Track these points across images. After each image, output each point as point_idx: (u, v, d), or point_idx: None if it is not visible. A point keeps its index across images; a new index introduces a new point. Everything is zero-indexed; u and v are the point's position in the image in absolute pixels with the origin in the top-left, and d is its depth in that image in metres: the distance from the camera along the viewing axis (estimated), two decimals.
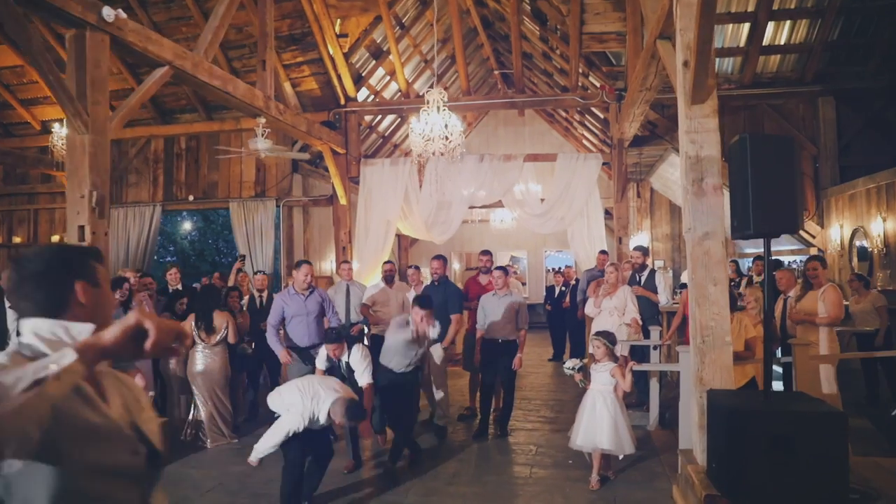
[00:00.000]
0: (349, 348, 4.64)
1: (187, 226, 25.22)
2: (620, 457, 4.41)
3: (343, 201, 9.44)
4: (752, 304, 4.69)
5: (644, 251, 6.50)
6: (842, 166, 8.39)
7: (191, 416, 5.56)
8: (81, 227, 4.46)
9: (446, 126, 6.66)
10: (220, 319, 5.24)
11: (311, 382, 3.88)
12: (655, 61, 5.09)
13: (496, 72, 13.19)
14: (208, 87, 6.02)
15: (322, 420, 3.72)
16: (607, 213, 10.04)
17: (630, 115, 6.92)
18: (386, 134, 12.32)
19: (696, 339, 3.65)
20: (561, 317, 9.73)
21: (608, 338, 4.37)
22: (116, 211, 10.28)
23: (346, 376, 4.61)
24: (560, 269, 12.04)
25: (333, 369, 4.69)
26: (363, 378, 4.55)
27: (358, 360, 4.58)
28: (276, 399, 3.90)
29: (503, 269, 5.64)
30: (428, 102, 6.71)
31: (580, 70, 9.36)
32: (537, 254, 15.71)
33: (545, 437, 5.52)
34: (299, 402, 3.69)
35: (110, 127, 4.78)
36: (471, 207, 12.68)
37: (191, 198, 10.29)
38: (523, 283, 15.27)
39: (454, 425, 5.90)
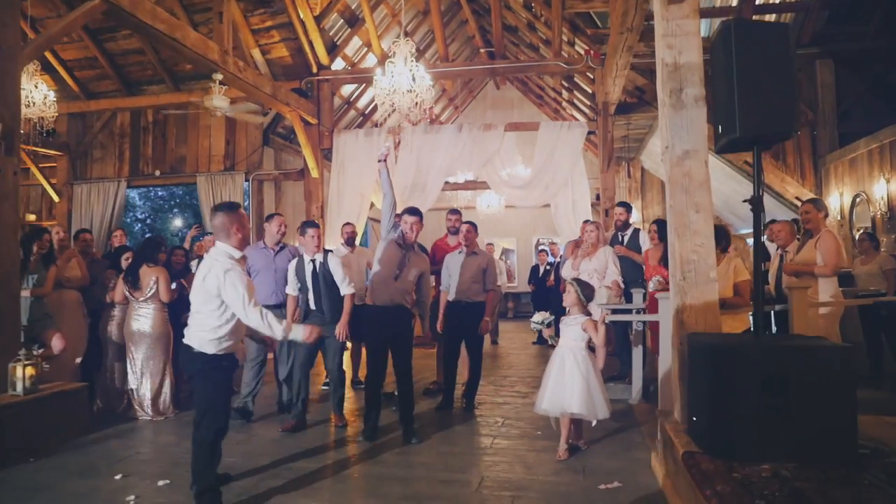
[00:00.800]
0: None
1: (178, 222, 25.04)
2: (593, 423, 3.79)
3: (315, 174, 8.94)
4: (732, 254, 4.14)
5: (628, 207, 5.98)
6: (841, 133, 7.88)
7: (128, 386, 5.03)
8: None
9: (413, 79, 6.17)
10: (148, 275, 4.70)
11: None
12: None
13: (482, 50, 12.73)
14: (151, 30, 5.49)
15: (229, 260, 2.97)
16: (597, 198, 9.52)
17: (613, 69, 6.41)
18: (366, 112, 11.83)
19: (675, 276, 3.13)
20: (545, 296, 9.19)
21: (582, 286, 3.83)
22: (80, 187, 9.79)
23: (324, 285, 4.30)
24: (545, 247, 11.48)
25: (307, 287, 4.36)
26: (345, 287, 4.33)
27: (336, 264, 4.34)
28: (197, 331, 2.96)
29: (472, 223, 5.11)
30: (394, 54, 6.22)
31: (564, 37, 8.88)
32: (527, 242, 15.19)
33: (515, 410, 4.99)
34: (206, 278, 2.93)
35: (23, 55, 4.28)
36: (455, 189, 12.23)
37: (157, 173, 9.79)
38: (513, 277, 14.76)
39: (417, 399, 5.34)
